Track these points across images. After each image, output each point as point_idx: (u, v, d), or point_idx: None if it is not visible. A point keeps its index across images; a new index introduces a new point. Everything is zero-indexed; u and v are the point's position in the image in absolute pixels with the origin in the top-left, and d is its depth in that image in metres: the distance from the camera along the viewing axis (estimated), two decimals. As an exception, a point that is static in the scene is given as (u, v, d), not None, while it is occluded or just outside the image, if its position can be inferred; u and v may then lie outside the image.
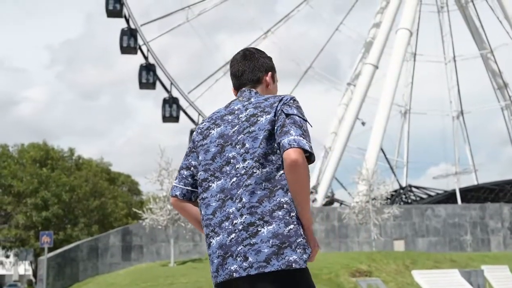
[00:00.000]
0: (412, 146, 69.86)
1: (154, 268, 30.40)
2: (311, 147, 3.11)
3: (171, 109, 49.01)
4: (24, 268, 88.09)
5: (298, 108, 3.25)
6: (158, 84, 49.83)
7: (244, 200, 3.11)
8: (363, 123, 53.41)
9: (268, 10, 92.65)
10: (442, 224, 38.82)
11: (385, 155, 56.38)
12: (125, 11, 50.00)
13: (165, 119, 49.26)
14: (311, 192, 49.75)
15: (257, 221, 3.06)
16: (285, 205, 3.09)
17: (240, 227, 3.08)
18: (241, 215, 3.10)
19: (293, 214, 3.09)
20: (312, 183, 53.30)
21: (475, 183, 59.94)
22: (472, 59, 62.61)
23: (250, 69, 3.55)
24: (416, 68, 64.97)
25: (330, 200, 52.85)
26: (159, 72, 49.92)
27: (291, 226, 3.04)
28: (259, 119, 3.24)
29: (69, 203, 50.69)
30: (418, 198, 58.21)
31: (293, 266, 2.97)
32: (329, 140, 55.40)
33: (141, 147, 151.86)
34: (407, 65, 62.22)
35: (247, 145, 3.21)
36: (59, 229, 49.63)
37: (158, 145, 34.54)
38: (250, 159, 3.17)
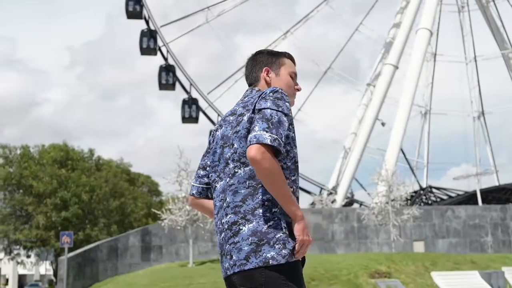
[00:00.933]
0: (433, 146, 69.54)
1: (173, 269, 30.47)
2: (274, 139, 3.08)
3: (191, 110, 49.19)
4: (45, 268, 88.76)
5: (276, 99, 3.25)
6: (177, 85, 50.08)
7: (228, 199, 3.24)
8: (383, 124, 53.27)
9: (288, 11, 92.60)
10: (462, 225, 38.55)
11: (405, 156, 56.20)
12: (144, 12, 50.27)
13: (185, 120, 49.44)
14: (330, 193, 49.73)
15: (240, 220, 3.16)
16: (266, 202, 3.16)
17: (226, 226, 3.21)
18: (227, 215, 3.22)
19: (275, 209, 3.16)
20: (332, 183, 53.32)
21: (496, 184, 59.59)
22: (493, 59, 62.43)
23: (249, 70, 3.67)
24: (436, 68, 64.70)
25: (350, 201, 52.75)
26: (178, 73, 50.17)
27: (271, 223, 3.11)
28: (243, 118, 3.32)
29: (89, 204, 50.99)
30: (438, 199, 57.92)
31: (270, 262, 3.03)
32: (348, 140, 55.33)
33: (161, 147, 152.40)
34: (427, 65, 62.01)
35: (235, 145, 3.31)
36: (79, 229, 49.95)
37: (177, 146, 34.61)
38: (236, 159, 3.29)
